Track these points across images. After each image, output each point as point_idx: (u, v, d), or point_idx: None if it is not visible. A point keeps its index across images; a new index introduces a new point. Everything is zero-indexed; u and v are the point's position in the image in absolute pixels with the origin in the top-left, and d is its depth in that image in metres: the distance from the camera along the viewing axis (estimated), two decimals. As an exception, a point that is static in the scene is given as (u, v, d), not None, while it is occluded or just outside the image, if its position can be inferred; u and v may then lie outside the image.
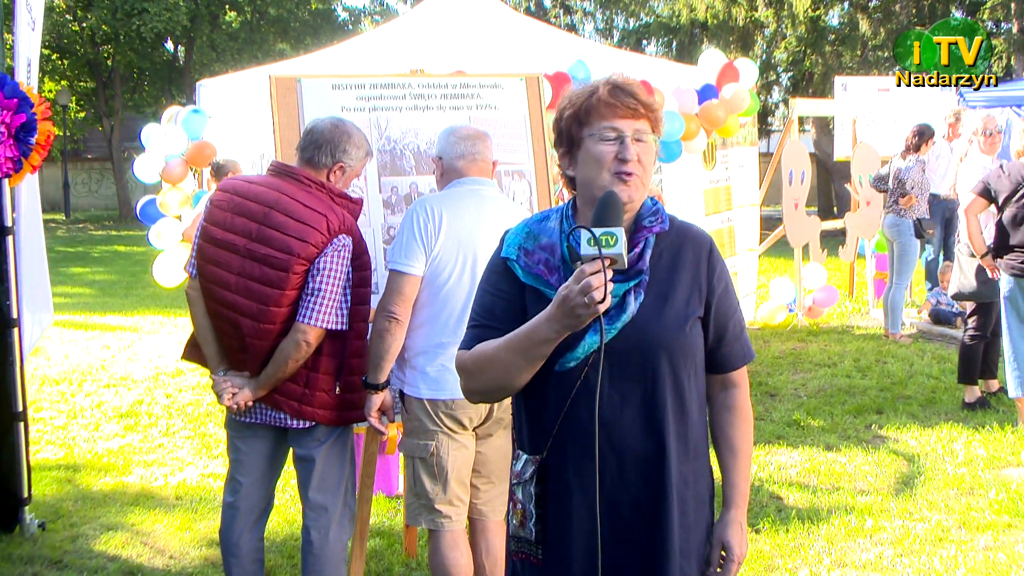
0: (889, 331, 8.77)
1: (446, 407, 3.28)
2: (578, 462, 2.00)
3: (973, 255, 6.21)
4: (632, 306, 2.01)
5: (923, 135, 8.42)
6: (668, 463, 2.03)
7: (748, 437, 2.20)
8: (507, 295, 2.09)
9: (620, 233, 1.82)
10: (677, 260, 2.10)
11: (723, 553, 2.13)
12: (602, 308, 1.82)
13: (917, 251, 8.75)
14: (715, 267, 2.13)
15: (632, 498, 2.03)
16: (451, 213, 3.28)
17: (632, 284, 2.02)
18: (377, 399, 3.30)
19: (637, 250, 2.05)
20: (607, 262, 1.82)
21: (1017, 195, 5.72)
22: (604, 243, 1.81)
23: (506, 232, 2.16)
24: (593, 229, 1.83)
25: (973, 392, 6.50)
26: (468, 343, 2.09)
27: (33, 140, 4.18)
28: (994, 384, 6.69)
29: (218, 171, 6.90)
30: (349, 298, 3.25)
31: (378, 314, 3.24)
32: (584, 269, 1.82)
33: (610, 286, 1.82)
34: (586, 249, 1.82)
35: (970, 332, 6.54)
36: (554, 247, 2.07)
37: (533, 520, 2.06)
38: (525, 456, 2.10)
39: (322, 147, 3.29)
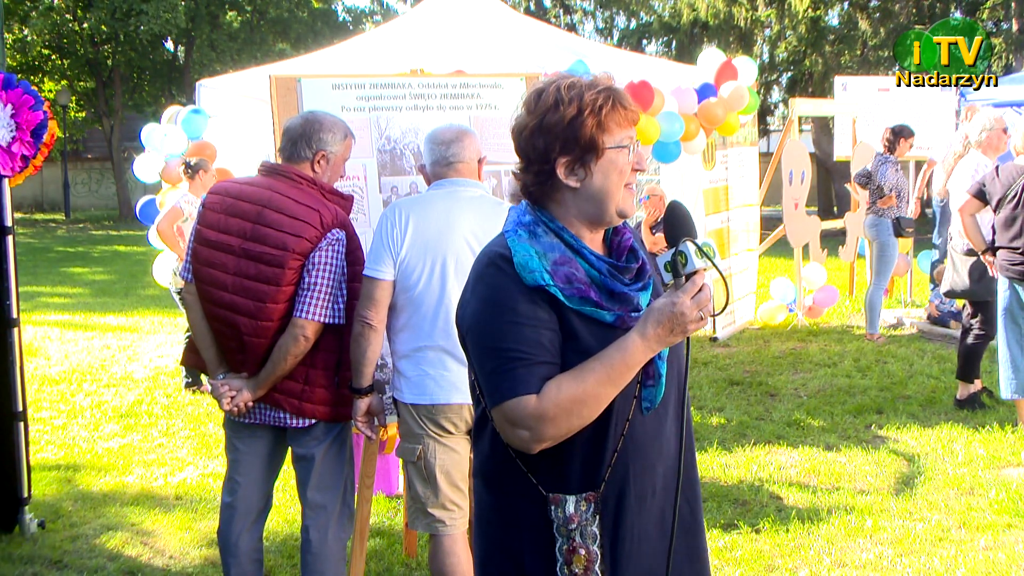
0: (866, 331, 8.77)
1: (427, 412, 3.27)
2: (639, 485, 1.94)
3: (968, 253, 6.21)
4: None
5: (898, 135, 8.40)
6: (695, 472, 2.06)
7: None
8: (549, 324, 1.88)
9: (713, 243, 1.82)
10: None
11: None
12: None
13: (896, 251, 8.72)
14: None
15: (675, 510, 2.00)
16: (419, 216, 3.25)
17: (650, 292, 1.97)
18: (362, 403, 3.29)
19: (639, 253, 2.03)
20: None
21: (1008, 198, 5.71)
22: (710, 253, 1.80)
23: (514, 262, 1.89)
24: (696, 241, 1.81)
25: (967, 389, 6.49)
26: (535, 385, 1.84)
27: (43, 140, 4.20)
28: (977, 384, 6.65)
29: (192, 170, 6.88)
30: (345, 292, 3.26)
31: (354, 320, 3.24)
32: (696, 281, 1.80)
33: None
34: (698, 262, 1.79)
35: (975, 332, 6.50)
36: (570, 261, 1.90)
37: (599, 562, 1.92)
38: (573, 497, 1.92)
39: (297, 142, 3.32)
